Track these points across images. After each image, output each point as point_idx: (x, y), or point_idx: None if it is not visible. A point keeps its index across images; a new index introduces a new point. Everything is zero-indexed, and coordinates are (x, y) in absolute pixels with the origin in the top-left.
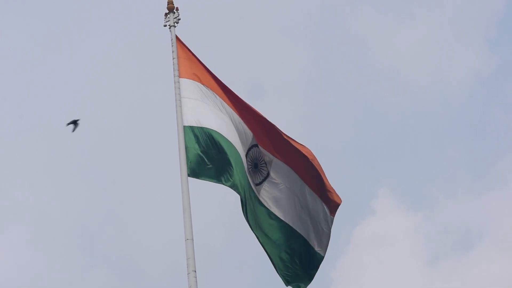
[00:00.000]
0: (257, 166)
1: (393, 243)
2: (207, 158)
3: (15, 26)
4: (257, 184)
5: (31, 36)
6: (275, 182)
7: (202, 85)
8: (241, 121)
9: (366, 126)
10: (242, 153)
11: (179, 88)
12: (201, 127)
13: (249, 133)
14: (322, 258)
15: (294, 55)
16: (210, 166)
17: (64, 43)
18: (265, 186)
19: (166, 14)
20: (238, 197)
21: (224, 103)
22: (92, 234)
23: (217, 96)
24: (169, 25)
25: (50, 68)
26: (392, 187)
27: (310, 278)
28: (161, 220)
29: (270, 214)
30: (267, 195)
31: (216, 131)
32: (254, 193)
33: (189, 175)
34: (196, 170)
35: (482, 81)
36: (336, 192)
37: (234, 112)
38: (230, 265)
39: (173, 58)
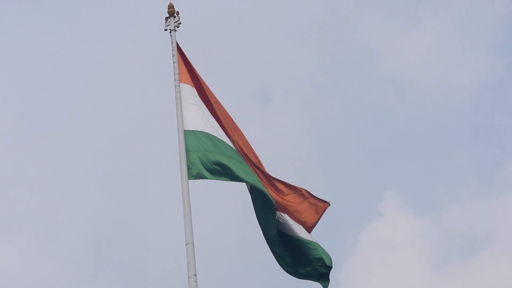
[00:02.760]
0: None
1: (400, 247)
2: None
3: (16, 28)
4: None
5: (32, 39)
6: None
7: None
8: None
9: (372, 131)
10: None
11: (180, 92)
12: (201, 131)
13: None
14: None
15: (301, 60)
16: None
17: (66, 46)
18: None
19: (166, 18)
20: (240, 201)
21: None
22: (99, 240)
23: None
24: (169, 29)
25: (51, 71)
26: (399, 191)
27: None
28: (166, 224)
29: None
30: None
31: (212, 134)
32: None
33: (194, 177)
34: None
35: (488, 86)
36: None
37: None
38: (231, 269)
39: (173, 62)
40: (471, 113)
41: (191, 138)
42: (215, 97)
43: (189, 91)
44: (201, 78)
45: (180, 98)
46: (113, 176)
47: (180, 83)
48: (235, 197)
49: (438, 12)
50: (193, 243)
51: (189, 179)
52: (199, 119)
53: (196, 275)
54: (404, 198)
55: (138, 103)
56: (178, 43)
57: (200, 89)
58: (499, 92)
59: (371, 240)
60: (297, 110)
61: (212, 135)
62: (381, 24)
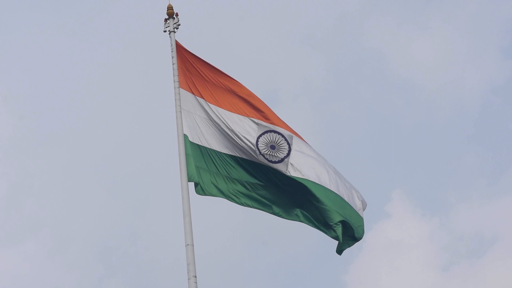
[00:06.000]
0: (274, 147)
1: (407, 249)
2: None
3: (16, 28)
4: (275, 162)
5: (32, 39)
6: (299, 151)
7: (196, 97)
8: (243, 117)
9: (380, 132)
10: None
11: (179, 93)
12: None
13: (254, 126)
14: (361, 219)
15: (309, 63)
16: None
17: (66, 47)
18: (291, 159)
19: (166, 20)
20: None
21: (219, 108)
22: (106, 243)
23: (210, 105)
24: (169, 31)
25: (51, 71)
26: (407, 193)
27: (352, 239)
28: (166, 226)
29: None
30: (297, 165)
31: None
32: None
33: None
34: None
35: (496, 88)
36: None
37: (232, 113)
38: (231, 270)
39: (173, 64)
40: (478, 115)
41: (192, 148)
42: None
43: (188, 97)
44: (209, 73)
45: (179, 100)
46: (115, 178)
47: (180, 88)
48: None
49: (446, 16)
50: (193, 245)
51: (198, 194)
52: (195, 128)
53: (196, 277)
54: (412, 199)
55: (138, 105)
56: (178, 44)
57: (204, 87)
58: (506, 94)
59: (378, 241)
60: (305, 112)
61: (203, 146)
62: (389, 28)
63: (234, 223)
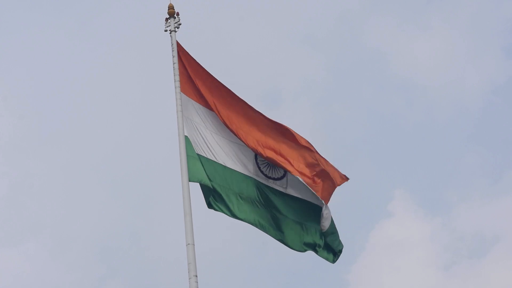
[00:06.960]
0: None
1: (409, 248)
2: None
3: (16, 28)
4: (276, 179)
5: (32, 39)
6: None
7: (197, 104)
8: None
9: (382, 132)
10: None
11: (180, 93)
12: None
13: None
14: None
15: (309, 64)
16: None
17: (66, 47)
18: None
19: (166, 19)
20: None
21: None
22: (107, 244)
23: (215, 115)
24: (169, 30)
25: (50, 71)
26: (408, 193)
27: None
28: (166, 225)
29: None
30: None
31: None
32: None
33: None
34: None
35: (497, 88)
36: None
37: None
38: (231, 270)
39: (173, 63)
40: (479, 115)
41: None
42: (227, 95)
43: (189, 104)
44: (208, 78)
45: (180, 99)
46: (115, 178)
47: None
48: None
49: (446, 16)
50: (193, 244)
51: (209, 207)
52: (195, 134)
53: (196, 276)
54: (414, 199)
55: (138, 105)
56: (179, 44)
57: (204, 92)
58: (507, 95)
59: (380, 241)
60: (305, 112)
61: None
62: (389, 28)
63: (235, 222)
